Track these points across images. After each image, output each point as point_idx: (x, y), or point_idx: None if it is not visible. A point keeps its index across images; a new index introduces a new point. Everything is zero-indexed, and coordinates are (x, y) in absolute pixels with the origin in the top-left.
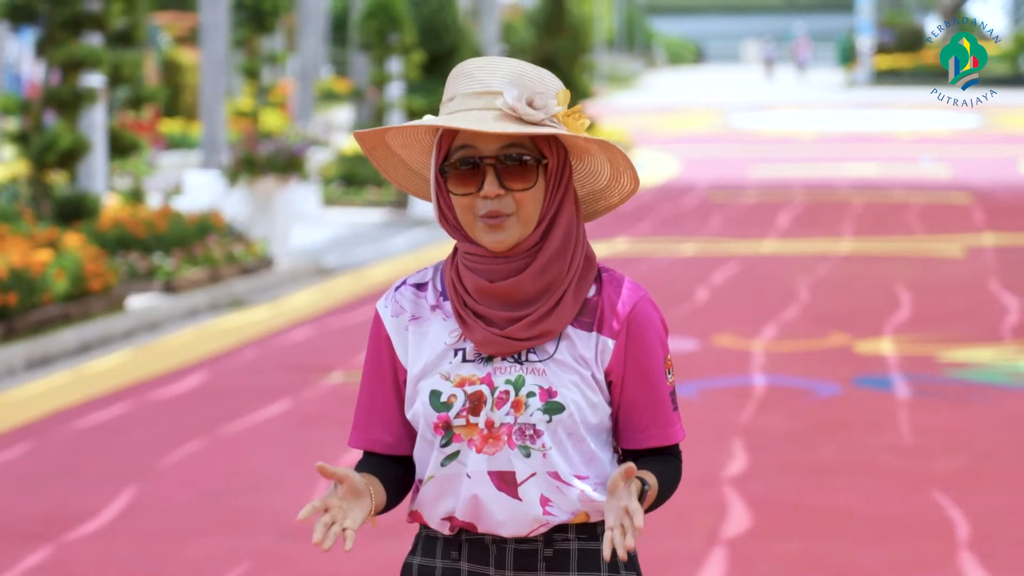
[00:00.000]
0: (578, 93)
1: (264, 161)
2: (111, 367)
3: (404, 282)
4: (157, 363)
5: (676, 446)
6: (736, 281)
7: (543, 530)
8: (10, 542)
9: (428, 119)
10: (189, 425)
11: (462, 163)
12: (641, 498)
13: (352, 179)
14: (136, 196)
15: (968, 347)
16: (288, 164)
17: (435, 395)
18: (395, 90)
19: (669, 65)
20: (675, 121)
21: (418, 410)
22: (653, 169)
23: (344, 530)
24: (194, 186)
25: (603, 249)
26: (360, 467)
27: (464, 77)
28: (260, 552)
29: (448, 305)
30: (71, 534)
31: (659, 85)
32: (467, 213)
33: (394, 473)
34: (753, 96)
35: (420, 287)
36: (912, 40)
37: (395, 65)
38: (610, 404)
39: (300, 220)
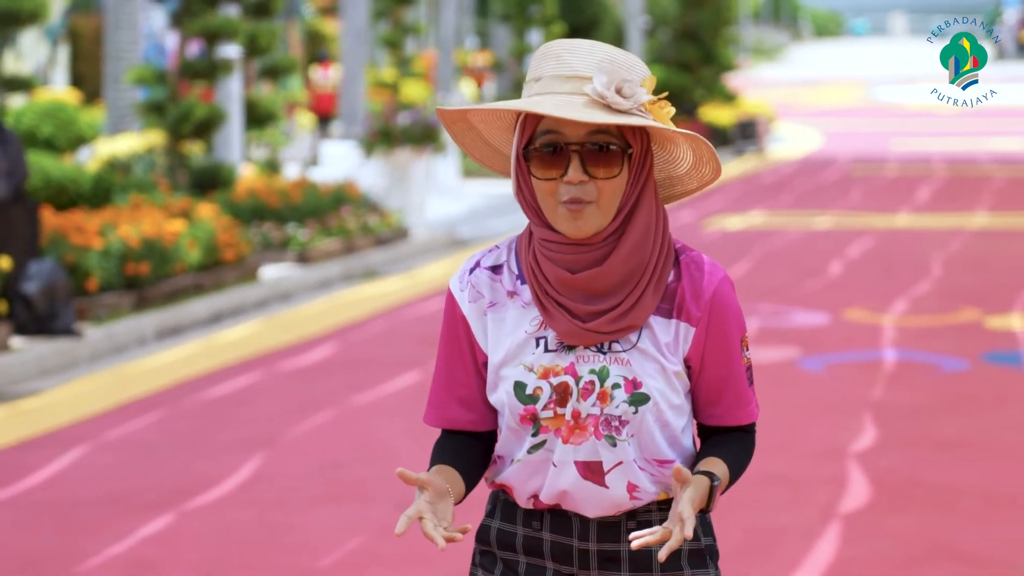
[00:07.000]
0: (721, 66)
1: (400, 132)
2: (242, 337)
3: (478, 264)
4: (288, 333)
5: (751, 423)
6: (870, 255)
7: (628, 508)
8: (129, 511)
9: (515, 103)
10: (316, 396)
11: (547, 148)
12: (711, 495)
13: None
14: (272, 167)
15: None
16: (424, 135)
17: (520, 387)
18: None
19: (815, 37)
20: (819, 94)
21: (502, 399)
22: (795, 142)
23: (445, 529)
24: (331, 157)
25: (739, 222)
26: (439, 446)
27: (552, 59)
28: (377, 523)
29: (526, 290)
30: (190, 503)
31: (804, 58)
32: (549, 198)
33: (474, 455)
34: (897, 69)
35: (495, 270)
36: None
37: (535, 37)
38: (689, 384)
39: (438, 192)
